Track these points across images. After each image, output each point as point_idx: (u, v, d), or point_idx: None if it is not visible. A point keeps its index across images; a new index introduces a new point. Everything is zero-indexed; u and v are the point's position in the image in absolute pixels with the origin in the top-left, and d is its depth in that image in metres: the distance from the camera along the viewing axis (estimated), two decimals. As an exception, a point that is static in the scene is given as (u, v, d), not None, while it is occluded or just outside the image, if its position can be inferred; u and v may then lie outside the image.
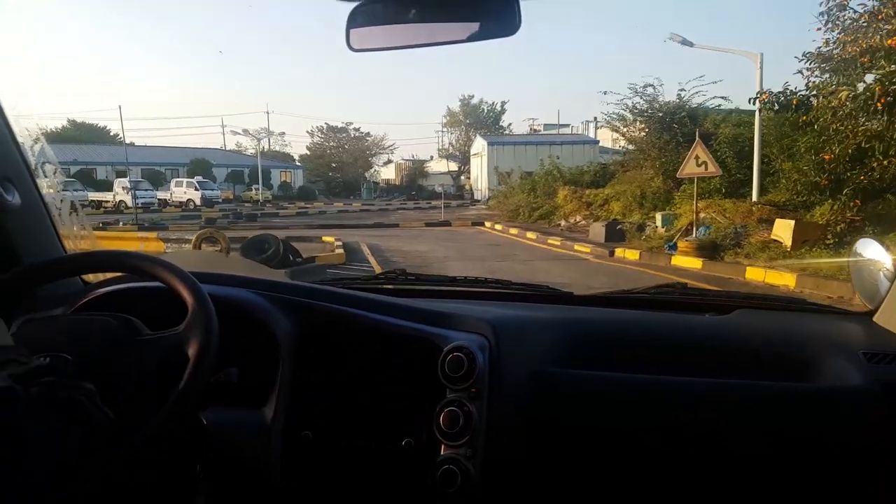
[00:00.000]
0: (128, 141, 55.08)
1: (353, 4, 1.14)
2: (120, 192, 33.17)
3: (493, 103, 57.03)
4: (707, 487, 1.20)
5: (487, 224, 22.14)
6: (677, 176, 13.72)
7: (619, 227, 15.95)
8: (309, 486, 1.23)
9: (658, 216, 15.35)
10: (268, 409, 1.22)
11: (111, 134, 54.91)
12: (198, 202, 35.29)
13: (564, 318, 1.45)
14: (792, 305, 1.67)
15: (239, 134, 52.28)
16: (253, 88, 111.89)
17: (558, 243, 15.81)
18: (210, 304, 1.03)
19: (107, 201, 33.37)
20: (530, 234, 17.87)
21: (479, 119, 55.78)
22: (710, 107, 17.85)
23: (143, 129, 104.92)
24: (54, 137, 53.19)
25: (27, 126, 1.40)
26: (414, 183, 55.54)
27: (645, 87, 18.18)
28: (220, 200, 37.67)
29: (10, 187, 1.28)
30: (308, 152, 59.68)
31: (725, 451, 1.19)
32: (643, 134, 18.73)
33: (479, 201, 40.93)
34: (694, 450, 1.19)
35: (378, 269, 10.69)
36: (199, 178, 38.93)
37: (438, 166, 58.24)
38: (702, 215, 13.51)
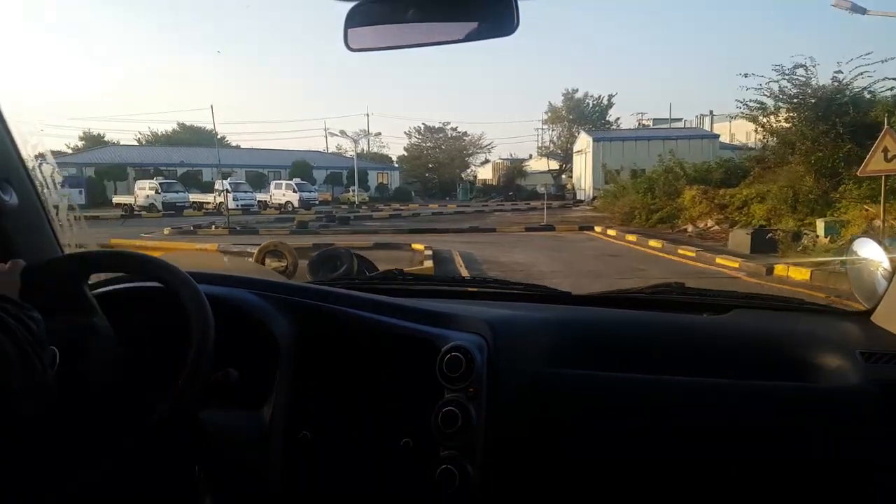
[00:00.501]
0: (234, 144, 57.81)
1: (352, 4, 1.15)
2: (221, 194, 33.53)
3: (598, 97, 54.06)
4: (706, 488, 1.20)
5: (597, 229, 19.58)
6: (858, 174, 10.78)
7: (768, 235, 13.12)
8: (308, 486, 1.22)
9: (820, 223, 12.51)
10: (266, 409, 1.21)
11: (218, 137, 57.25)
12: (296, 204, 35.17)
13: (562, 318, 1.44)
14: (789, 305, 1.66)
15: (338, 136, 52.35)
16: (355, 90, 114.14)
17: (692, 254, 13.04)
18: (207, 303, 1.05)
19: (208, 203, 33.85)
20: (653, 243, 15.16)
21: (582, 114, 53.03)
22: (880, 91, 14.61)
23: (251, 133, 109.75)
24: (164, 140, 56.14)
25: (26, 126, 1.41)
26: (512, 183, 53.53)
27: (795, 68, 15.20)
28: (318, 202, 37.33)
29: (7, 188, 1.28)
30: (405, 153, 59.28)
31: (724, 451, 1.20)
32: (790, 124, 15.69)
33: (582, 202, 38.54)
34: (692, 450, 1.20)
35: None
36: (298, 179, 38.95)
37: (537, 165, 56.03)
38: (876, 222, 10.63)
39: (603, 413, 1.21)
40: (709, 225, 17.25)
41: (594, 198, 35.21)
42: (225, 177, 34.25)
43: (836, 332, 1.40)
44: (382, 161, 59.32)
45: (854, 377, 1.22)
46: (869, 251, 1.48)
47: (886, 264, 1.42)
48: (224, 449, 1.15)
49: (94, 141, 54.18)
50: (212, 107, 32.07)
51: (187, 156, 45.96)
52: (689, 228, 17.62)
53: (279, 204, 35.91)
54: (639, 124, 53.00)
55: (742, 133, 29.59)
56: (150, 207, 32.20)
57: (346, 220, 25.28)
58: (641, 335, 1.39)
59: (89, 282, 1.32)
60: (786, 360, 1.29)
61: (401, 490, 1.19)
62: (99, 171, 41.65)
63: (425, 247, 14.38)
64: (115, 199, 34.75)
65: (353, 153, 47.17)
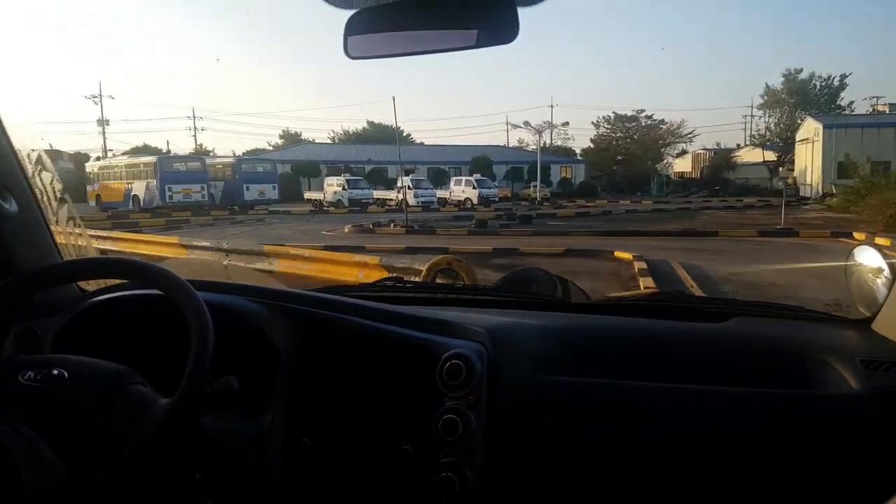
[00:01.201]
0: (417, 141, 58.48)
1: (352, 11, 1.14)
2: (402, 191, 33.00)
3: (828, 77, 45.69)
4: (704, 495, 1.20)
5: (857, 236, 14.83)
6: None
7: None
8: (308, 493, 1.22)
9: None
10: (266, 416, 1.22)
11: (405, 134, 58.27)
12: (475, 201, 33.77)
13: (562, 326, 1.43)
14: (789, 313, 1.62)
15: (521, 128, 50.02)
16: (537, 81, 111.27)
17: None
18: (206, 311, 1.04)
19: (390, 199, 33.53)
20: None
21: (807, 97, 45.15)
22: None
23: (434, 130, 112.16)
24: (354, 139, 58.30)
25: (26, 133, 1.42)
26: (718, 176, 47.28)
27: None
28: (497, 199, 35.53)
29: (7, 195, 1.28)
30: (591, 145, 55.24)
31: (722, 458, 1.19)
32: None
33: (808, 199, 32.07)
34: (691, 457, 1.20)
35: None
36: (478, 175, 37.33)
37: (749, 156, 48.97)
38: None
39: (602, 420, 1.21)
40: None
41: (824, 195, 29.40)
42: (407, 173, 33.82)
43: (836, 340, 1.38)
44: (566, 154, 56.20)
45: (854, 385, 1.21)
46: (869, 258, 1.46)
47: (887, 272, 1.39)
48: (225, 455, 1.15)
49: (291, 139, 58.02)
50: (393, 99, 30.92)
51: (375, 153, 46.79)
52: None
53: (458, 201, 34.63)
54: (872, 109, 43.87)
55: None
56: (338, 203, 32.54)
57: (527, 219, 22.79)
58: (641, 342, 1.37)
59: (89, 289, 1.38)
60: (786, 368, 1.28)
61: (400, 497, 1.19)
62: (294, 167, 43.58)
63: (634, 256, 11.31)
64: (307, 195, 35.74)
65: (534, 146, 44.77)
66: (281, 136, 59.85)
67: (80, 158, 39.12)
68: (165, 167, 29.56)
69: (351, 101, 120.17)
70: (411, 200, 27.90)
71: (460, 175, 38.90)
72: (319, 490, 1.21)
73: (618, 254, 12.16)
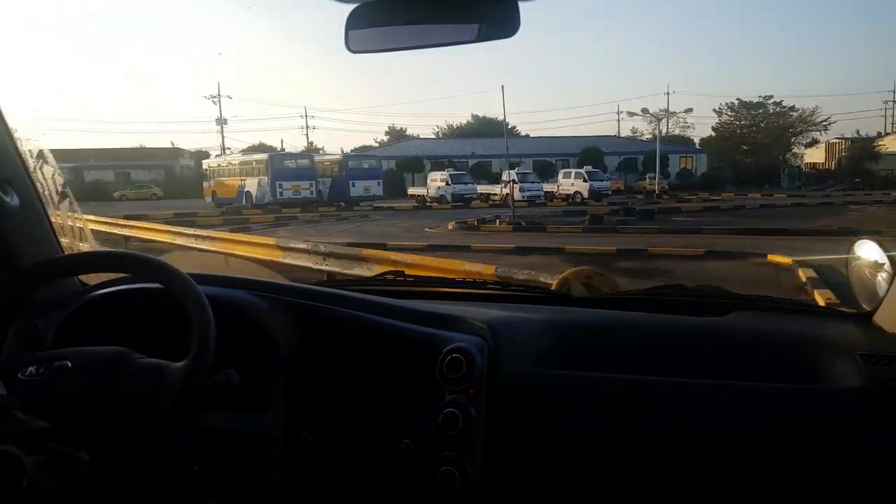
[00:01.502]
0: (522, 133, 56.88)
1: (353, 5, 1.14)
2: (507, 185, 31.71)
3: None
4: (704, 489, 1.20)
5: None
6: None
7: None
8: (308, 487, 1.22)
9: None
10: (267, 410, 1.21)
11: (509, 127, 57.00)
12: (585, 195, 31.90)
13: (562, 320, 1.43)
14: (789, 306, 1.61)
15: (637, 116, 46.74)
16: (654, 68, 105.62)
17: None
18: (207, 304, 1.04)
19: (495, 194, 32.45)
20: None
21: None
22: None
23: (537, 122, 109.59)
24: (458, 133, 57.69)
25: (26, 128, 1.41)
26: (858, 167, 42.24)
27: None
28: (610, 192, 33.42)
29: (8, 189, 1.28)
30: (713, 133, 51.26)
31: (722, 452, 1.19)
32: None
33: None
34: (691, 451, 1.20)
35: None
36: (589, 167, 35.27)
37: (893, 145, 43.29)
38: None
39: (603, 414, 1.21)
40: None
41: None
42: (511, 167, 32.52)
43: (836, 334, 1.37)
44: (684, 144, 52.53)
45: (855, 379, 1.21)
46: (869, 252, 1.44)
47: (887, 265, 1.38)
48: (225, 450, 1.15)
49: (396, 135, 58.37)
50: (502, 88, 29.60)
51: (478, 147, 45.94)
52: None
53: (566, 195, 32.79)
54: None
55: None
56: (441, 199, 31.86)
57: (649, 214, 20.89)
58: (641, 336, 1.37)
59: (90, 283, 1.38)
60: (786, 362, 1.27)
61: (401, 491, 1.18)
62: (399, 163, 43.56)
63: (794, 261, 9.45)
64: (410, 191, 35.38)
65: (650, 136, 41.99)
66: (387, 133, 60.57)
67: (200, 156, 41.13)
68: (276, 164, 30.09)
69: (456, 93, 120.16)
70: (517, 195, 26.58)
71: (568, 168, 37.04)
72: (320, 484, 1.20)
73: (772, 257, 10.34)
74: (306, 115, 55.95)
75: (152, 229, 12.17)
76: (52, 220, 1.39)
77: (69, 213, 1.55)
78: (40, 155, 1.46)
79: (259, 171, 30.00)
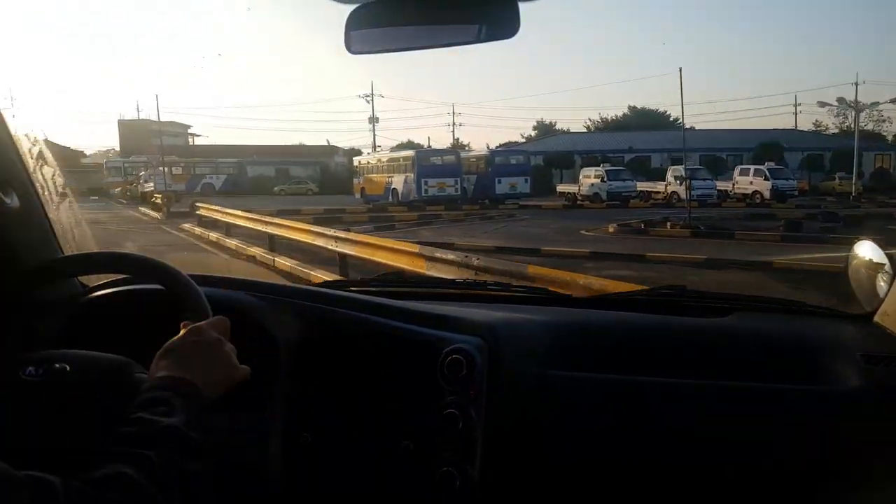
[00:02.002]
0: (687, 126, 52.09)
1: (353, 6, 1.15)
2: (672, 183, 28.43)
3: None
4: (704, 489, 1.21)
5: None
6: None
7: None
8: (308, 488, 1.23)
9: None
10: (266, 412, 1.22)
11: (671, 119, 52.48)
12: (767, 195, 28.12)
13: (563, 321, 1.44)
14: (790, 307, 1.63)
15: (830, 106, 40.19)
16: (834, 56, 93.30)
17: None
18: (208, 306, 1.05)
19: (657, 192, 29.45)
20: None
21: None
22: None
23: (706, 114, 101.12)
24: (614, 125, 54.16)
25: (26, 128, 1.41)
26: None
27: None
28: (796, 193, 29.30)
29: (8, 190, 1.28)
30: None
31: (723, 452, 1.20)
32: None
33: None
34: (691, 451, 1.21)
35: None
36: (771, 164, 30.94)
37: None
38: None
39: (604, 415, 1.22)
40: None
41: None
42: (674, 162, 29.12)
43: (837, 335, 1.38)
44: (877, 140, 45.23)
45: (855, 380, 1.21)
46: (870, 253, 1.46)
47: (887, 266, 1.39)
48: (224, 450, 1.13)
49: (544, 130, 56.19)
50: (680, 70, 25.82)
51: (636, 140, 42.69)
52: None
53: (744, 194, 29.16)
54: None
55: None
56: (594, 197, 29.48)
57: (856, 221, 17.29)
58: (642, 338, 1.38)
59: (91, 284, 1.38)
60: (787, 363, 1.28)
61: (401, 492, 1.19)
62: (546, 159, 41.70)
63: None
64: (559, 188, 33.41)
65: (834, 129, 36.18)
66: (534, 128, 58.65)
67: (353, 154, 41.98)
68: (422, 161, 29.65)
69: (609, 81, 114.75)
70: (683, 194, 23.47)
71: (742, 164, 32.78)
72: (320, 485, 1.21)
73: None
74: (453, 112, 55.67)
75: (295, 228, 11.52)
76: (52, 221, 1.39)
77: (69, 215, 1.57)
78: (40, 155, 1.46)
79: (406, 168, 29.67)
